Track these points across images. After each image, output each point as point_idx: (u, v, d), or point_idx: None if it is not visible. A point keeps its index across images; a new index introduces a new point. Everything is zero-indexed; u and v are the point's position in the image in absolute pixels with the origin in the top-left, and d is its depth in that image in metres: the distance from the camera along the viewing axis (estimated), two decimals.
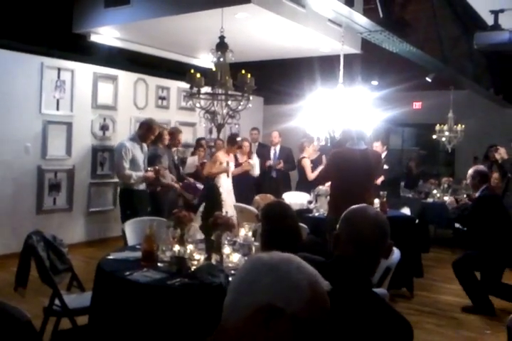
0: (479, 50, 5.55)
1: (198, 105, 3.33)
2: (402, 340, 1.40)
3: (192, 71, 3.28)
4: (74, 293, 3.39)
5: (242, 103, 3.20)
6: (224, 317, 0.96)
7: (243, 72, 3.21)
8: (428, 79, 8.57)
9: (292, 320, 0.90)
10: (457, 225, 6.08)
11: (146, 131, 5.40)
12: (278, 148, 7.84)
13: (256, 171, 7.24)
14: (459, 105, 8.40)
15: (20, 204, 6.00)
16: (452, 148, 8.56)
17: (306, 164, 7.03)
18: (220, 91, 3.21)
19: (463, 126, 8.08)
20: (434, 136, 8.46)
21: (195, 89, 3.29)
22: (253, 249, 2.98)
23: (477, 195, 4.70)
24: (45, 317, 3.05)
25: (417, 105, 10.23)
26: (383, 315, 1.43)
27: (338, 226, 1.66)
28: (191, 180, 6.46)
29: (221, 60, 3.26)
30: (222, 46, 3.25)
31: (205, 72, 3.68)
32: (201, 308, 2.41)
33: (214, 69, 3.21)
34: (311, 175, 6.95)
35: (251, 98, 3.28)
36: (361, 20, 4.88)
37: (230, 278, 2.59)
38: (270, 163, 7.64)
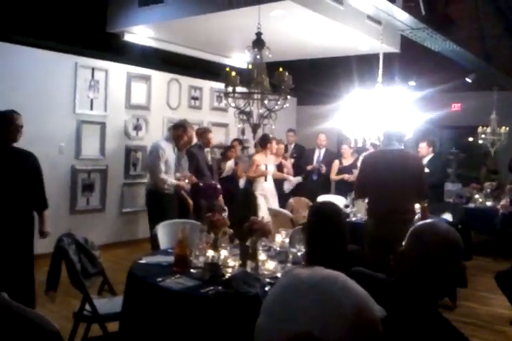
0: None
1: (232, 105, 3.20)
2: None
3: (228, 69, 3.16)
4: (105, 297, 3.30)
5: (279, 102, 3.06)
6: None
7: (281, 69, 3.06)
8: (468, 80, 8.25)
9: None
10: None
11: (182, 132, 5.33)
12: (323, 151, 7.65)
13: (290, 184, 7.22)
14: (501, 107, 8.04)
15: (54, 204, 5.93)
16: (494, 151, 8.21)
17: (334, 164, 7.10)
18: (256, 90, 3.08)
19: (507, 128, 7.72)
20: (471, 139, 8.13)
21: (230, 89, 3.16)
22: (290, 256, 2.84)
23: None
24: (75, 322, 2.96)
25: (456, 106, 9.87)
26: None
27: (404, 242, 1.49)
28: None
29: (258, 57, 3.12)
30: (259, 43, 3.11)
31: (238, 71, 3.56)
32: (235, 319, 2.28)
33: (250, 67, 3.08)
34: (333, 176, 7.05)
35: (288, 97, 3.12)
36: (403, 17, 4.70)
37: (267, 288, 2.45)
38: (311, 167, 7.50)
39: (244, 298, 2.29)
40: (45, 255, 5.45)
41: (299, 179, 7.32)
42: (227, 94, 3.15)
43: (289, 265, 2.78)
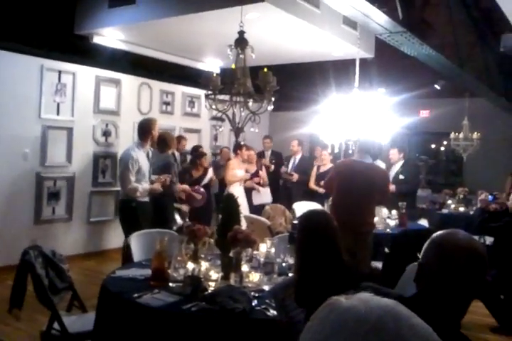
0: (504, 52, 5.28)
1: (213, 107, 3.01)
2: None
3: (208, 70, 2.99)
4: (74, 314, 3.07)
5: (263, 105, 2.90)
6: None
7: (265, 70, 2.91)
8: (437, 87, 8.30)
9: None
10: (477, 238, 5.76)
11: (146, 131, 5.03)
12: (298, 157, 7.51)
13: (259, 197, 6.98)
14: (472, 113, 8.08)
15: (17, 214, 5.68)
16: (461, 157, 8.26)
17: (312, 172, 7.05)
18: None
19: (479, 134, 7.77)
20: (442, 148, 8.21)
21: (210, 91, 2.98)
22: (275, 267, 2.68)
23: None
24: None
25: (425, 113, 9.92)
26: None
27: (422, 253, 1.34)
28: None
29: (241, 56, 2.95)
30: (241, 42, 2.94)
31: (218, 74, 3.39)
32: (221, 338, 2.11)
33: (233, 66, 2.91)
34: (311, 185, 6.97)
35: (273, 99, 2.97)
36: (381, 20, 4.60)
37: (254, 303, 2.28)
38: (284, 170, 7.39)
39: (231, 314, 2.11)
40: (9, 267, 5.16)
41: (267, 192, 7.05)
42: (207, 96, 2.98)
43: (275, 276, 2.62)
